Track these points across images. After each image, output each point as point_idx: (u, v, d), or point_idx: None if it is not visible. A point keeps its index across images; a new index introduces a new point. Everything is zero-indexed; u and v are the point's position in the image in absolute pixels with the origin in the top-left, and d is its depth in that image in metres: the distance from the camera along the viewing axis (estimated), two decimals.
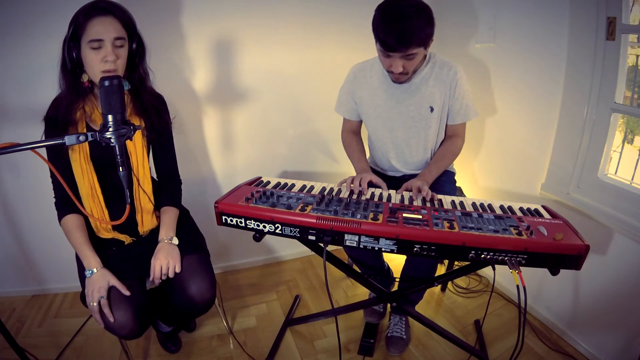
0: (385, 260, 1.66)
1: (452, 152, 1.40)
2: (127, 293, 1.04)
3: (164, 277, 1.09)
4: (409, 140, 1.40)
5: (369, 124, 1.47)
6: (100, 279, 1.03)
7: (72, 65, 1.00)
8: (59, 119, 1.03)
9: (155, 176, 1.31)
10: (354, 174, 1.41)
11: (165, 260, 1.09)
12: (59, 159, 1.06)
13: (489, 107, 1.69)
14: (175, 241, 1.16)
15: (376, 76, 1.38)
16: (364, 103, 1.41)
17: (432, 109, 1.33)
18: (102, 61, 0.98)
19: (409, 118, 1.36)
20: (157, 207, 1.23)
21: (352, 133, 1.52)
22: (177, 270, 1.10)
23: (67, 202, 1.08)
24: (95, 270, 1.04)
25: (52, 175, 1.09)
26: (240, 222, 1.05)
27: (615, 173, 1.36)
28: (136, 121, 1.13)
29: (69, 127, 1.04)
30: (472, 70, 1.71)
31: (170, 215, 1.20)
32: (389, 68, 1.22)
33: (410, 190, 1.20)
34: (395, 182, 1.42)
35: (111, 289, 1.03)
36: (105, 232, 1.14)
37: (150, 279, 1.10)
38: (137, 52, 1.08)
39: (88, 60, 0.99)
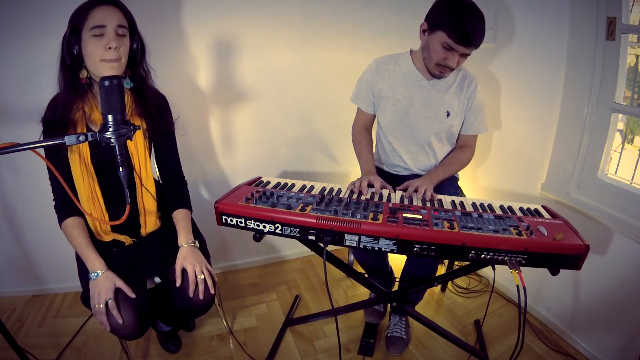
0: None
1: (461, 160, 1.42)
2: (133, 295, 1.04)
3: (200, 284, 1.07)
4: (419, 140, 1.41)
5: (383, 118, 1.45)
6: (107, 281, 1.02)
7: (71, 61, 0.98)
8: (57, 120, 1.01)
9: (157, 177, 1.31)
10: (355, 173, 1.41)
11: (199, 266, 1.09)
12: (58, 162, 1.03)
13: (489, 108, 1.68)
14: (197, 244, 1.16)
15: (399, 71, 1.38)
16: (382, 96, 1.41)
17: (448, 114, 1.35)
18: (104, 49, 0.96)
19: (425, 118, 1.37)
20: (163, 210, 1.22)
21: (364, 129, 1.50)
22: (212, 272, 1.12)
23: (67, 204, 1.07)
24: (100, 272, 1.03)
25: (51, 178, 1.08)
26: (240, 222, 1.05)
27: (615, 173, 1.36)
28: (138, 122, 1.12)
29: (68, 128, 1.02)
30: (471, 71, 1.71)
31: (185, 218, 1.19)
32: (444, 61, 1.22)
33: (406, 190, 1.22)
34: (401, 181, 1.43)
35: (116, 291, 1.03)
36: (105, 235, 1.12)
37: (178, 284, 1.08)
38: (137, 50, 1.07)
39: (89, 50, 0.96)
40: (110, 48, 0.96)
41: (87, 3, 0.96)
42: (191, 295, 1.07)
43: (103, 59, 0.97)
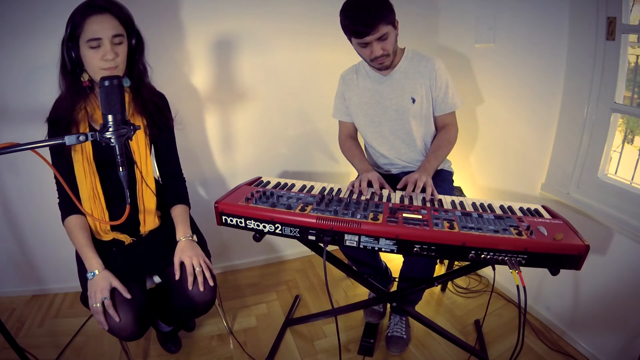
0: (383, 259, 1.66)
1: (448, 140, 1.41)
2: (128, 296, 1.04)
3: (198, 275, 1.08)
4: (396, 133, 1.44)
5: (358, 124, 1.51)
6: (102, 280, 1.02)
7: (72, 66, 1.00)
8: (61, 120, 1.03)
9: (157, 176, 1.31)
10: (355, 173, 1.40)
11: (196, 259, 1.09)
12: (62, 161, 1.06)
13: (489, 107, 1.69)
14: (195, 238, 1.17)
15: (361, 77, 1.45)
16: (352, 103, 1.47)
17: (413, 100, 1.37)
18: (101, 59, 0.98)
19: (393, 111, 1.40)
20: (162, 208, 1.23)
21: (350, 138, 1.55)
22: (211, 266, 1.12)
23: (71, 202, 1.08)
24: (97, 272, 1.03)
25: (56, 177, 1.09)
26: (240, 222, 1.05)
27: (615, 173, 1.35)
28: (137, 119, 1.13)
29: (72, 128, 1.05)
30: (472, 70, 1.71)
31: (182, 213, 1.20)
32: (371, 56, 1.27)
33: (405, 188, 1.21)
34: (396, 180, 1.43)
35: (112, 291, 1.03)
36: (105, 234, 1.13)
37: (177, 277, 1.09)
38: (136, 47, 1.08)
39: (87, 60, 0.99)
40: (107, 59, 0.98)
41: (83, 10, 0.96)
42: (190, 287, 1.07)
43: (101, 68, 0.99)
